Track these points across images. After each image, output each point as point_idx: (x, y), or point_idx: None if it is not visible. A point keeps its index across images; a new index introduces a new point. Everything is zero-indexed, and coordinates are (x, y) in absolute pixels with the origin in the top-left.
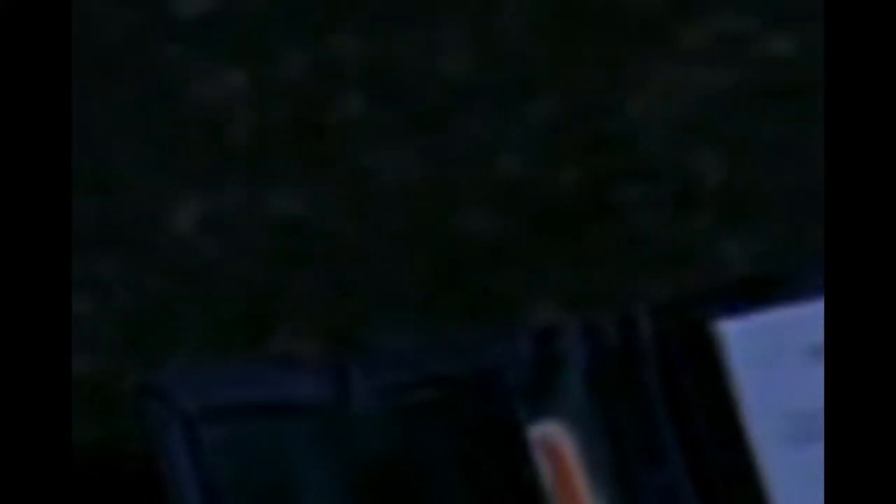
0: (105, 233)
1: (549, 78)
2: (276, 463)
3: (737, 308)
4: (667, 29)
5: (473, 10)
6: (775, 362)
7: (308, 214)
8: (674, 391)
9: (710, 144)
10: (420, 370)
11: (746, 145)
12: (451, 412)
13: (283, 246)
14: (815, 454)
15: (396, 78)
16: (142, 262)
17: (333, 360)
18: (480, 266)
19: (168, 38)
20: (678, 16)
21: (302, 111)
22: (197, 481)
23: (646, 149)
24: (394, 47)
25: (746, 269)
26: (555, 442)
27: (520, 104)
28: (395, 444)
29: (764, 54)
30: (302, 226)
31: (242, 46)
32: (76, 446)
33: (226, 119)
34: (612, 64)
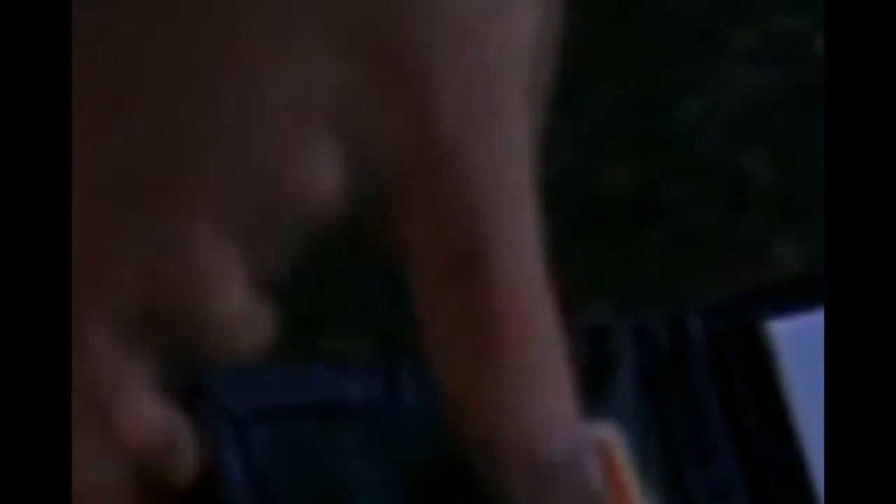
0: None
1: (602, 77)
2: (326, 464)
3: (788, 309)
4: (718, 29)
5: None
6: None
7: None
8: (725, 392)
9: (762, 144)
10: None
11: (799, 145)
12: None
13: (332, 244)
14: None
15: None
16: None
17: (383, 360)
18: None
19: None
20: (729, 16)
21: None
22: (247, 482)
23: (697, 148)
24: None
25: (799, 269)
26: (606, 442)
27: (571, 103)
28: (445, 443)
29: (815, 54)
30: (351, 224)
31: None
32: None
33: None
34: (664, 63)
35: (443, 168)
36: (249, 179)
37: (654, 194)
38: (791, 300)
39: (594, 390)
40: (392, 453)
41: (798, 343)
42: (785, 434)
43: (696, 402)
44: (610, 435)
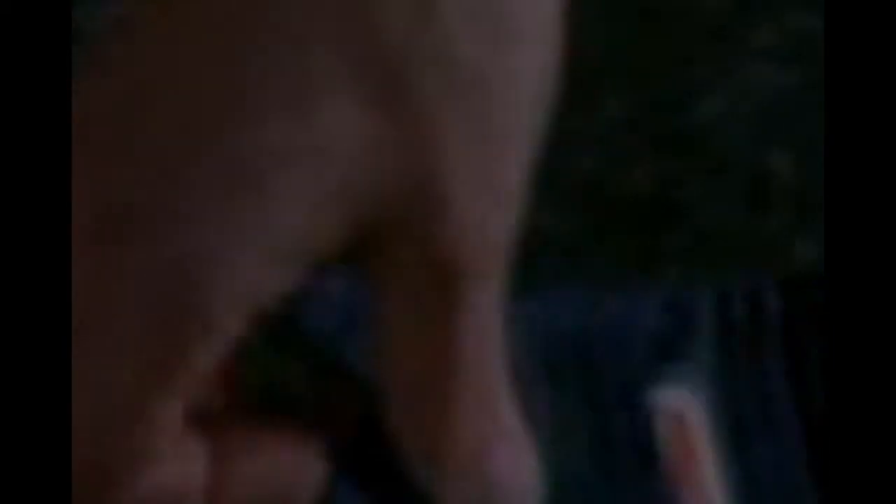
0: None
1: (620, 77)
2: None
3: None
4: (736, 28)
5: None
6: None
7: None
8: (796, 365)
9: (782, 143)
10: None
11: (818, 143)
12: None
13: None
14: None
15: None
16: None
17: None
18: (551, 264)
19: None
20: (747, 14)
21: None
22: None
23: (717, 147)
24: None
25: (820, 268)
26: (679, 408)
27: (592, 102)
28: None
29: None
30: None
31: None
32: None
33: None
34: (682, 63)
35: (434, 218)
36: (254, 222)
37: (674, 193)
38: None
39: (670, 356)
40: None
41: None
42: None
43: (768, 375)
44: (684, 399)
